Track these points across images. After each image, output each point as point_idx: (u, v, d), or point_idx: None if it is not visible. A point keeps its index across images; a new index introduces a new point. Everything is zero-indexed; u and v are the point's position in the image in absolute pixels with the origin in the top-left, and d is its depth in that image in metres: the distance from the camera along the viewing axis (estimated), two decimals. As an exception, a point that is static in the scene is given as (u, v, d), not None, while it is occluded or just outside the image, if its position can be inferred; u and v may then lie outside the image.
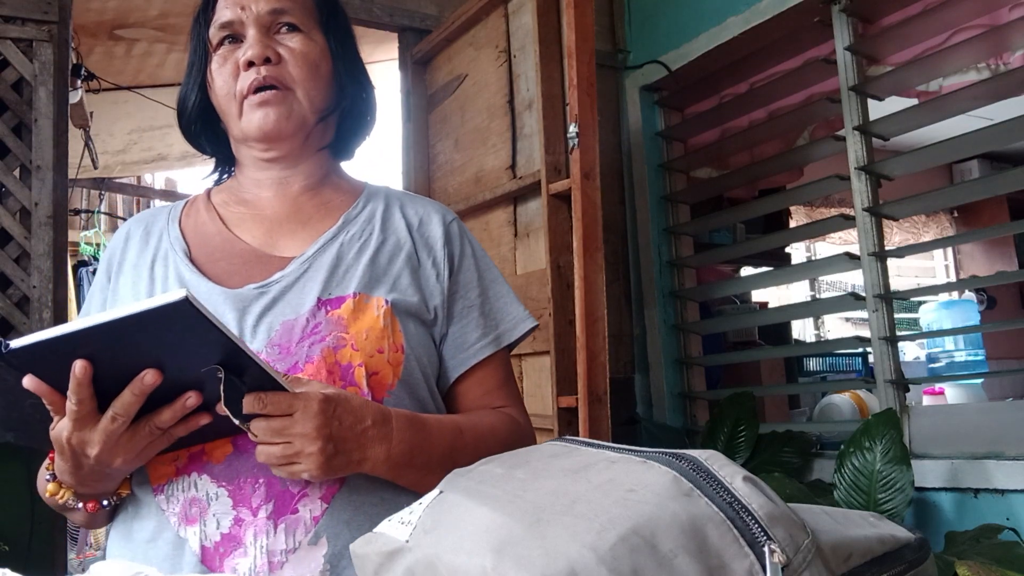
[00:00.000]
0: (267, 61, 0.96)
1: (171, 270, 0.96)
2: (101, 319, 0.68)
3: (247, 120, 0.97)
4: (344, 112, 1.06)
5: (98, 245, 5.09)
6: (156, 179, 5.81)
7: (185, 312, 0.68)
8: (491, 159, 2.31)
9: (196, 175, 1.25)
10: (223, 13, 0.99)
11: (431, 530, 0.61)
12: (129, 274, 0.99)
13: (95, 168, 4.26)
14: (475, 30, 2.42)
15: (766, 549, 0.55)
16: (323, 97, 1.02)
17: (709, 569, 0.54)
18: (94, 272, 4.95)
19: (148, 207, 5.97)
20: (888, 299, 2.28)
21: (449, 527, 0.60)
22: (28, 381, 0.73)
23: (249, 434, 0.77)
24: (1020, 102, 2.27)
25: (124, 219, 5.74)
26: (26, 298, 2.11)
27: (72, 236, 4.63)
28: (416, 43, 2.73)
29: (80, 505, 0.87)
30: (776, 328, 3.67)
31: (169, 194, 5.69)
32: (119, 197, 5.62)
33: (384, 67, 3.43)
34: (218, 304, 0.91)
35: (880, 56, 2.40)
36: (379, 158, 3.54)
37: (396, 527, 0.63)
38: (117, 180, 5.42)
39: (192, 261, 0.97)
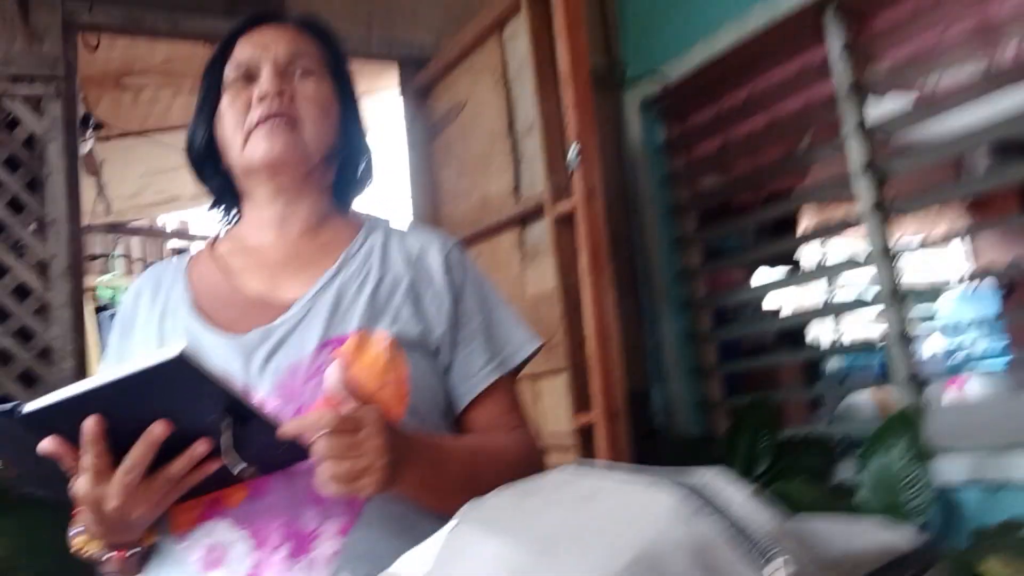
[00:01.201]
0: (280, 95, 1.00)
1: (179, 323, 1.00)
2: (104, 379, 0.72)
3: (252, 147, 1.00)
4: (345, 159, 1.10)
5: (116, 289, 5.15)
6: (170, 220, 5.89)
7: (182, 367, 0.71)
8: (495, 183, 2.35)
9: (209, 214, 1.31)
10: (243, 52, 1.05)
11: (447, 563, 0.63)
12: (141, 330, 1.03)
13: (108, 214, 4.34)
14: (472, 58, 2.46)
15: (769, 567, 0.57)
16: (329, 138, 1.05)
17: (717, 588, 0.56)
18: (112, 316, 5.03)
19: (163, 248, 6.06)
20: (899, 297, 2.28)
21: (464, 560, 0.62)
22: (44, 445, 0.76)
23: (245, 475, 0.80)
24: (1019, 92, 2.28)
25: (141, 260, 5.82)
26: (48, 349, 2.15)
27: (90, 281, 4.70)
28: (415, 73, 2.78)
29: (108, 556, 0.90)
30: (793, 331, 3.67)
31: (183, 234, 5.77)
32: (134, 240, 5.70)
33: (387, 94, 3.48)
34: (224, 352, 0.94)
35: (876, 55, 2.42)
36: (388, 188, 3.56)
37: (413, 563, 0.65)
38: (131, 223, 5.50)
39: (199, 312, 1.00)
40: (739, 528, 0.59)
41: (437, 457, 0.90)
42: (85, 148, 3.06)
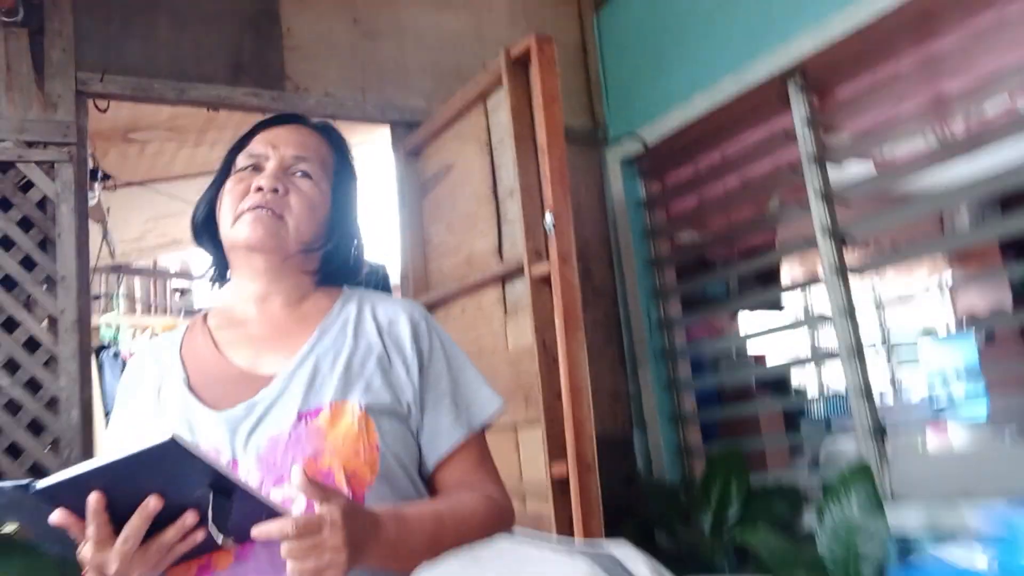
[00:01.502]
0: (275, 191, 1.13)
1: (173, 396, 1.11)
2: (104, 461, 0.84)
3: (238, 229, 1.13)
4: (329, 252, 1.20)
5: (118, 327, 5.28)
6: (171, 261, 6.04)
7: (173, 450, 0.82)
8: (480, 242, 2.49)
9: (204, 282, 1.41)
10: (256, 146, 1.18)
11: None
12: (141, 400, 1.14)
13: (112, 258, 4.49)
14: (459, 124, 2.62)
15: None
16: (311, 233, 1.16)
17: (618, 644, 0.69)
18: (114, 355, 5.15)
19: (164, 287, 6.22)
20: (858, 352, 2.41)
21: None
22: (53, 518, 0.88)
23: (226, 545, 0.89)
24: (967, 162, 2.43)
25: (142, 300, 5.97)
26: (55, 399, 2.28)
27: (93, 321, 4.84)
28: (407, 135, 2.93)
29: None
30: (776, 379, 3.79)
31: (183, 275, 5.93)
32: (136, 279, 5.85)
33: (379, 147, 3.65)
34: (212, 426, 1.05)
35: (836, 126, 2.58)
36: (380, 240, 3.71)
37: None
38: (134, 264, 5.65)
39: (190, 388, 1.11)
40: (638, 593, 0.72)
41: (401, 531, 0.98)
42: (93, 200, 3.21)
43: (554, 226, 2.10)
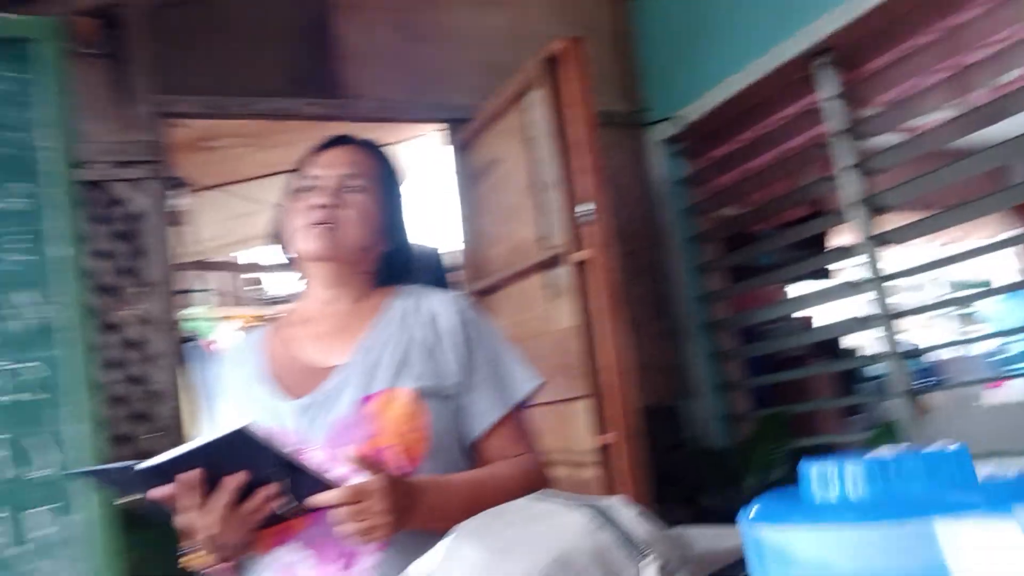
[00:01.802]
0: (330, 207, 1.30)
1: (258, 388, 1.31)
2: (188, 447, 1.04)
3: (303, 243, 1.32)
4: (384, 254, 1.39)
5: (201, 321, 5.65)
6: (245, 256, 6.42)
7: (242, 437, 1.02)
8: (524, 232, 2.68)
9: (277, 250, 1.59)
10: (312, 169, 1.36)
11: (444, 563, 0.95)
12: (230, 392, 1.35)
13: (196, 255, 4.83)
14: (501, 122, 2.80)
15: (647, 558, 0.88)
16: (366, 240, 1.34)
17: (610, 575, 0.87)
18: (199, 346, 5.52)
19: (239, 281, 6.59)
20: (891, 318, 2.53)
21: (454, 560, 0.94)
22: (152, 494, 1.09)
23: (290, 514, 1.10)
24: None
25: (222, 293, 6.35)
26: (155, 392, 2.57)
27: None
28: (458, 132, 3.13)
29: (211, 569, 1.20)
30: (828, 342, 3.87)
31: (256, 267, 6.29)
32: (216, 275, 6.24)
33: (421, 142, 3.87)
34: (288, 413, 1.24)
35: (865, 100, 2.67)
36: (438, 228, 3.93)
37: (426, 562, 0.98)
38: (215, 260, 6.02)
39: (270, 381, 1.31)
40: (627, 537, 0.91)
41: (442, 498, 1.17)
42: (176, 206, 3.51)
43: (590, 214, 2.27)
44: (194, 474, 1.08)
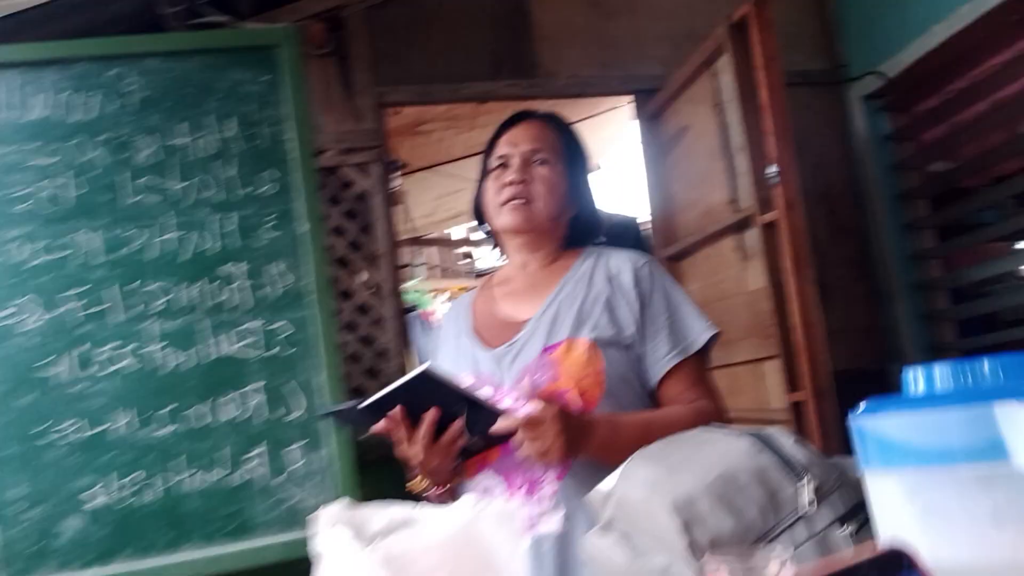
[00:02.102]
0: (521, 183, 1.47)
1: (465, 339, 1.51)
2: (391, 387, 1.20)
3: (501, 219, 1.49)
4: (573, 218, 1.54)
5: (419, 292, 6.14)
6: (457, 231, 6.86)
7: (427, 376, 1.18)
8: (715, 195, 2.74)
9: (478, 225, 1.78)
10: (501, 148, 1.52)
11: (621, 480, 1.10)
12: (444, 345, 1.56)
13: (412, 231, 5.26)
14: (691, 89, 2.87)
15: (804, 480, 0.99)
16: (555, 208, 1.49)
17: (769, 492, 0.99)
18: (417, 315, 6.01)
19: (451, 255, 7.06)
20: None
21: (630, 478, 1.09)
22: (374, 428, 1.30)
23: (475, 445, 1.28)
24: None
25: (437, 266, 6.84)
26: (384, 351, 2.91)
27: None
28: (647, 101, 3.23)
29: (430, 492, 1.42)
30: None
31: (468, 242, 6.72)
32: (432, 249, 6.73)
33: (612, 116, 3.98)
34: (486, 361, 1.41)
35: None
36: (631, 198, 4.05)
37: (607, 482, 1.13)
38: (428, 236, 6.51)
39: (474, 334, 1.48)
40: (786, 460, 1.02)
41: (613, 432, 1.28)
42: (395, 186, 3.88)
43: (779, 176, 2.31)
44: (397, 411, 1.27)
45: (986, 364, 0.58)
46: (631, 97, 3.34)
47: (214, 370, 2.08)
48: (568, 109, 4.00)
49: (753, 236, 2.56)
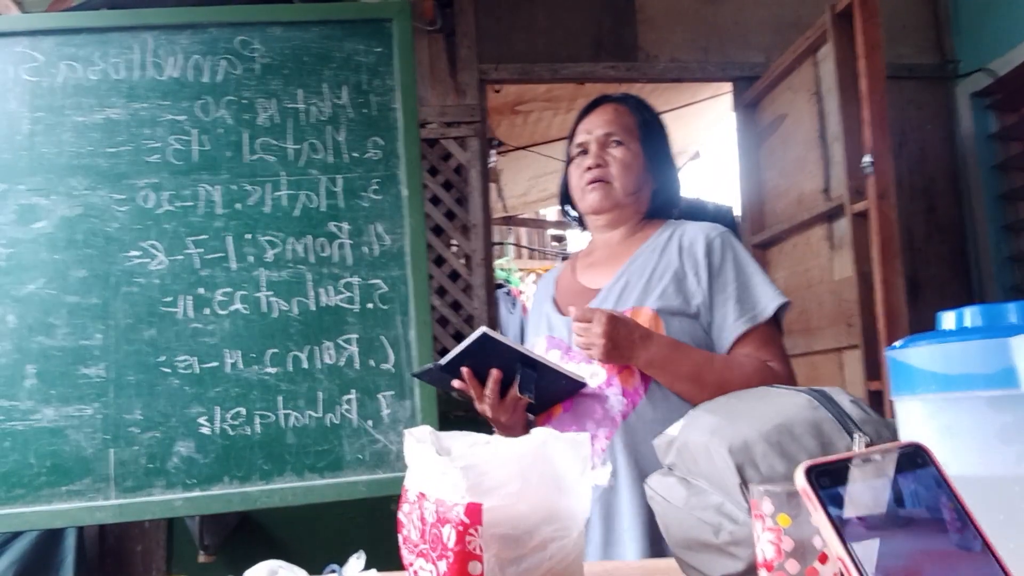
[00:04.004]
0: (598, 166, 1.56)
1: (544, 309, 1.61)
2: (458, 349, 1.33)
3: (584, 201, 1.59)
4: (654, 192, 1.61)
5: (509, 271, 6.27)
6: (550, 212, 6.95)
7: (487, 338, 1.29)
8: (808, 184, 2.75)
9: (566, 208, 1.85)
10: (580, 136, 1.63)
11: (684, 428, 1.18)
12: (534, 310, 1.68)
13: (505, 210, 5.38)
14: (791, 77, 2.87)
15: (856, 435, 1.04)
16: (633, 185, 1.57)
17: (822, 444, 1.05)
18: (507, 292, 6.15)
19: (545, 235, 7.15)
20: None
21: (692, 426, 1.16)
22: (455, 384, 1.41)
23: (532, 403, 1.37)
24: None
25: (528, 247, 6.94)
26: (471, 316, 3.04)
27: (490, 265, 5.84)
28: (745, 90, 3.24)
29: None
30: None
31: (560, 223, 6.80)
32: (523, 230, 6.84)
33: (713, 104, 3.97)
34: (560, 327, 1.51)
35: None
36: (718, 185, 4.05)
37: (672, 429, 1.21)
38: (520, 216, 6.62)
39: (554, 302, 1.59)
40: (840, 416, 1.07)
41: (671, 350, 1.36)
42: (491, 163, 4.00)
43: (873, 165, 2.31)
44: (466, 370, 1.39)
45: (1010, 307, 0.64)
46: (730, 85, 3.35)
47: (314, 319, 2.22)
48: (669, 95, 4.04)
49: (843, 226, 2.57)
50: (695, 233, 1.52)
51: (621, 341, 1.35)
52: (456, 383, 1.41)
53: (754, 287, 1.46)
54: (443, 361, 1.36)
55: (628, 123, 1.60)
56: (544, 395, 1.40)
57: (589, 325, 1.35)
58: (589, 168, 1.57)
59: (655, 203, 1.62)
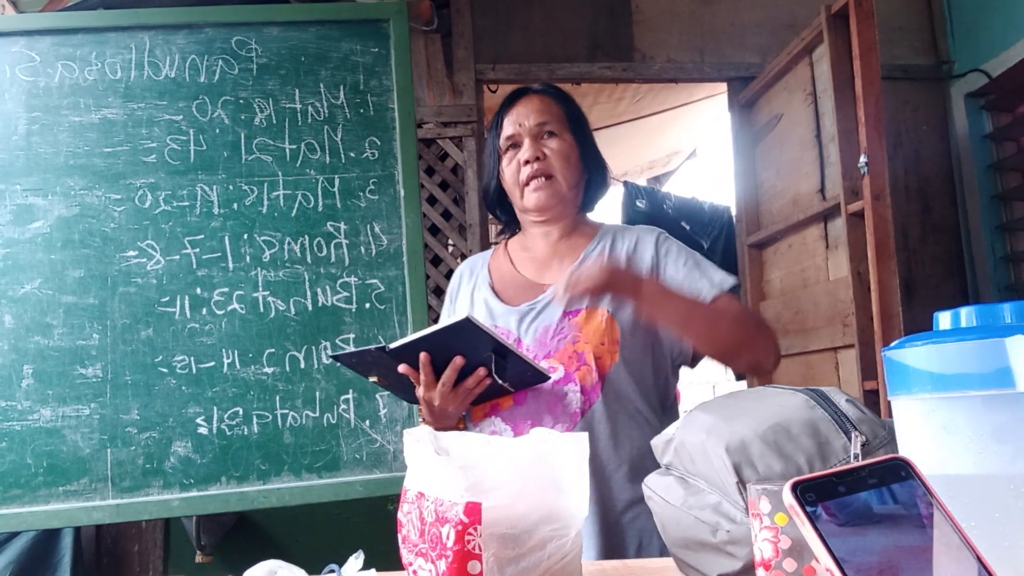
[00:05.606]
0: (537, 159, 1.48)
1: (481, 296, 1.54)
2: (425, 332, 1.26)
3: (527, 200, 1.51)
4: (587, 183, 1.56)
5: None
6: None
7: (468, 326, 1.23)
8: (804, 184, 2.76)
9: (498, 237, 1.85)
10: (507, 129, 1.53)
11: (681, 427, 1.18)
12: (462, 299, 1.61)
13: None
14: (787, 77, 2.88)
15: (853, 435, 1.05)
16: (574, 177, 1.51)
17: (819, 444, 1.05)
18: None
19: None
20: None
21: (689, 426, 1.17)
22: (401, 369, 1.33)
23: (504, 391, 1.34)
24: None
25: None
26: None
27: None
28: (741, 90, 3.24)
29: None
30: None
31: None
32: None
33: (709, 104, 3.98)
34: (506, 316, 1.46)
35: None
36: (714, 185, 4.06)
37: (669, 428, 1.22)
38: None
39: (493, 290, 1.53)
40: (837, 415, 1.08)
41: (663, 292, 1.34)
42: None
43: (868, 166, 2.32)
44: (426, 355, 1.32)
45: (1006, 308, 0.65)
46: (726, 85, 3.36)
47: (311, 320, 2.23)
48: (665, 95, 4.05)
49: (838, 226, 2.58)
50: (638, 235, 1.52)
51: (619, 273, 1.32)
52: (403, 368, 1.34)
53: (705, 268, 1.45)
54: (401, 343, 1.30)
55: (558, 113, 1.52)
56: (513, 385, 1.38)
57: (578, 274, 1.29)
58: (527, 162, 1.47)
59: (587, 196, 1.58)
